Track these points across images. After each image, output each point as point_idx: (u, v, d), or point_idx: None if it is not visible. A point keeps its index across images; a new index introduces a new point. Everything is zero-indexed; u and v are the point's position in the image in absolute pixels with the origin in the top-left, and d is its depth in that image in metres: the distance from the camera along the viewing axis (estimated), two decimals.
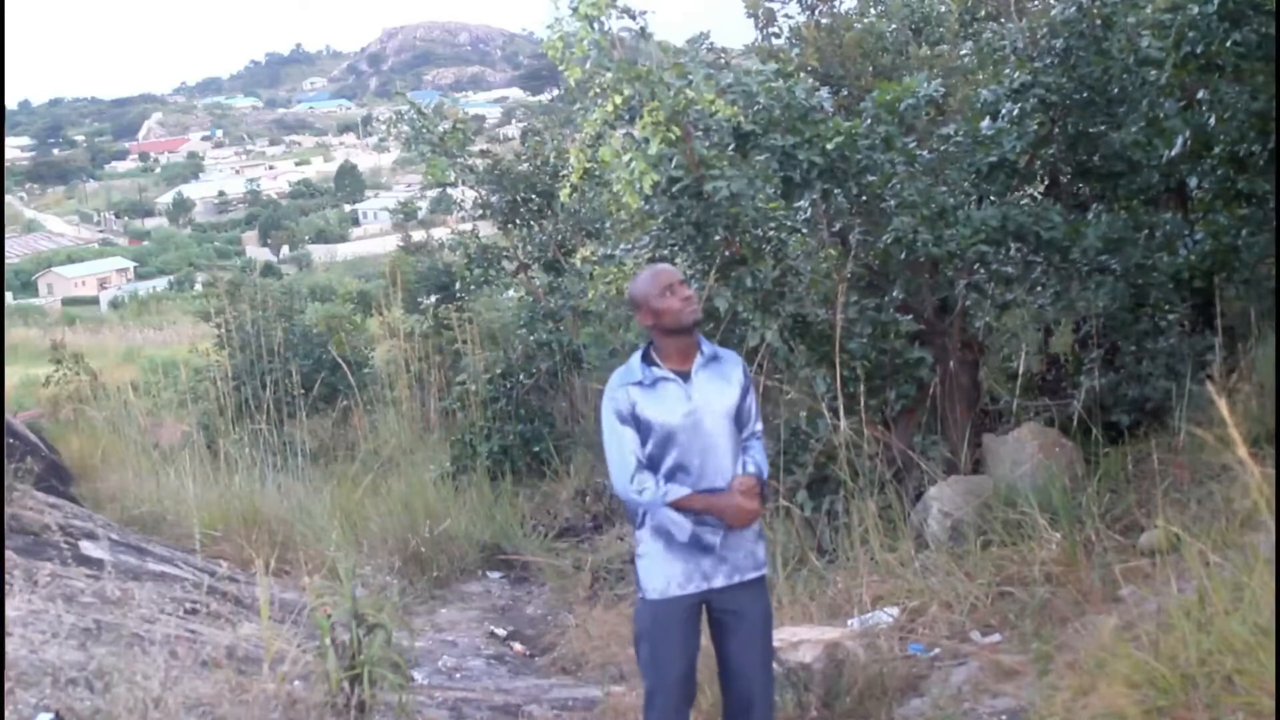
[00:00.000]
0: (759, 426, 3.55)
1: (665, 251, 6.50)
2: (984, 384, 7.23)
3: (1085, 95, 6.51)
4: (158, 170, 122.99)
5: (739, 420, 3.45)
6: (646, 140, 5.90)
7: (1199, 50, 6.02)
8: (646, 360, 3.41)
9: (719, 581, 3.36)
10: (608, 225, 9.35)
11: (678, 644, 3.37)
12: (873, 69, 8.01)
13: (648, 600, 3.40)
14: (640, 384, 3.37)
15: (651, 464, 3.34)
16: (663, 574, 3.36)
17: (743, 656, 3.41)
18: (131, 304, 52.79)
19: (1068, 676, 3.61)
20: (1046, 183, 7.22)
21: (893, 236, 6.29)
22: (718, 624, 3.44)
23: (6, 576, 4.84)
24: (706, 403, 3.36)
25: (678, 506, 3.32)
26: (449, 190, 10.60)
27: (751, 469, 3.41)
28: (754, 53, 8.30)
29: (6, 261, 63.55)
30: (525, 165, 10.28)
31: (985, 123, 6.71)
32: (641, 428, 3.34)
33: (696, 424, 3.33)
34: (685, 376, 3.38)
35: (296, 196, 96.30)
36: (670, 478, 3.33)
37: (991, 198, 6.71)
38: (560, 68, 6.22)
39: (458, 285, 10.96)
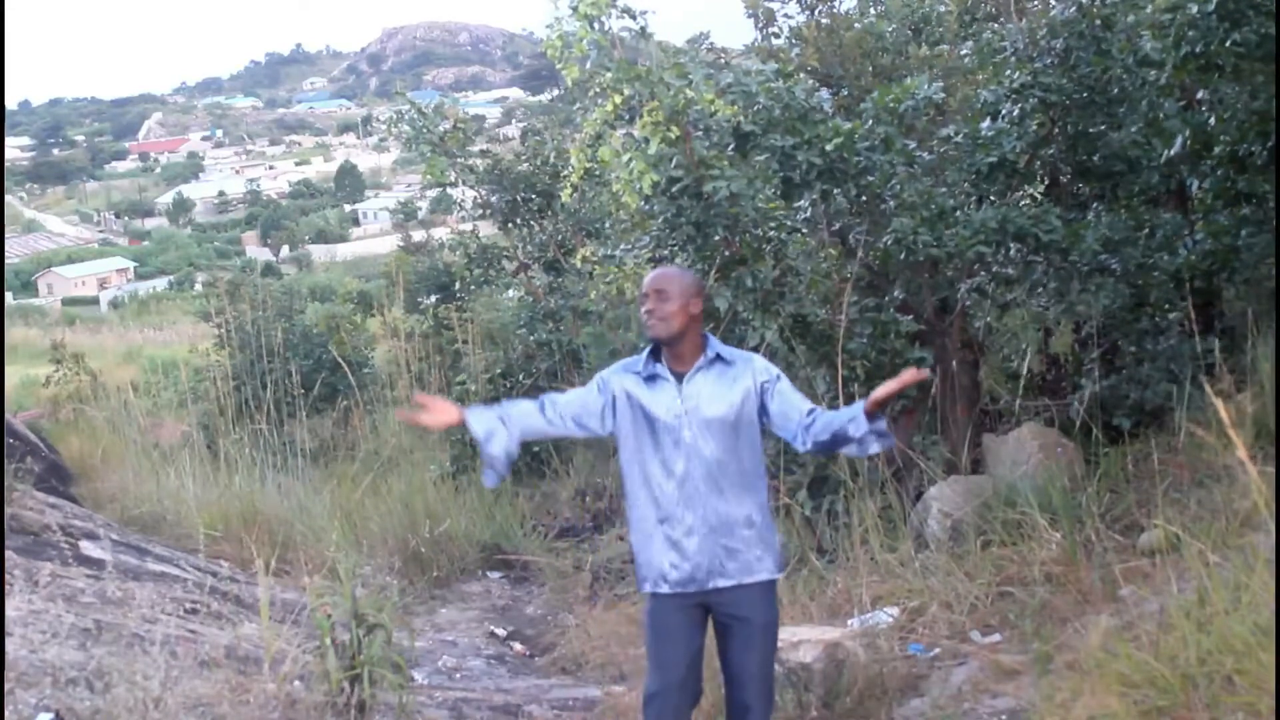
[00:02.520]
0: (810, 405, 3.39)
1: (665, 252, 6.50)
2: (984, 384, 7.23)
3: (1085, 95, 6.51)
4: (158, 170, 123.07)
5: (781, 413, 3.35)
6: (646, 140, 5.90)
7: (1199, 50, 6.02)
8: (655, 355, 3.42)
9: (688, 586, 3.33)
10: (608, 225, 9.34)
11: (677, 644, 3.35)
12: (873, 69, 8.00)
13: (647, 595, 3.42)
14: (638, 374, 3.40)
15: (646, 451, 3.36)
16: (648, 570, 3.39)
17: (740, 663, 3.38)
18: (131, 304, 52.77)
19: (1067, 676, 3.61)
20: (1046, 183, 7.22)
21: (893, 238, 6.29)
22: (718, 627, 3.42)
23: (6, 576, 4.85)
24: (695, 407, 3.33)
25: None
26: (449, 190, 10.57)
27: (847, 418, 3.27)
28: (754, 53, 8.29)
29: (6, 261, 63.53)
30: (525, 165, 10.26)
31: (985, 123, 6.71)
32: (631, 410, 3.37)
33: (682, 427, 3.32)
34: (680, 378, 3.36)
35: (296, 196, 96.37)
36: (647, 479, 3.35)
37: (991, 198, 6.71)
38: (560, 68, 6.22)
39: (458, 285, 10.95)
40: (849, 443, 3.29)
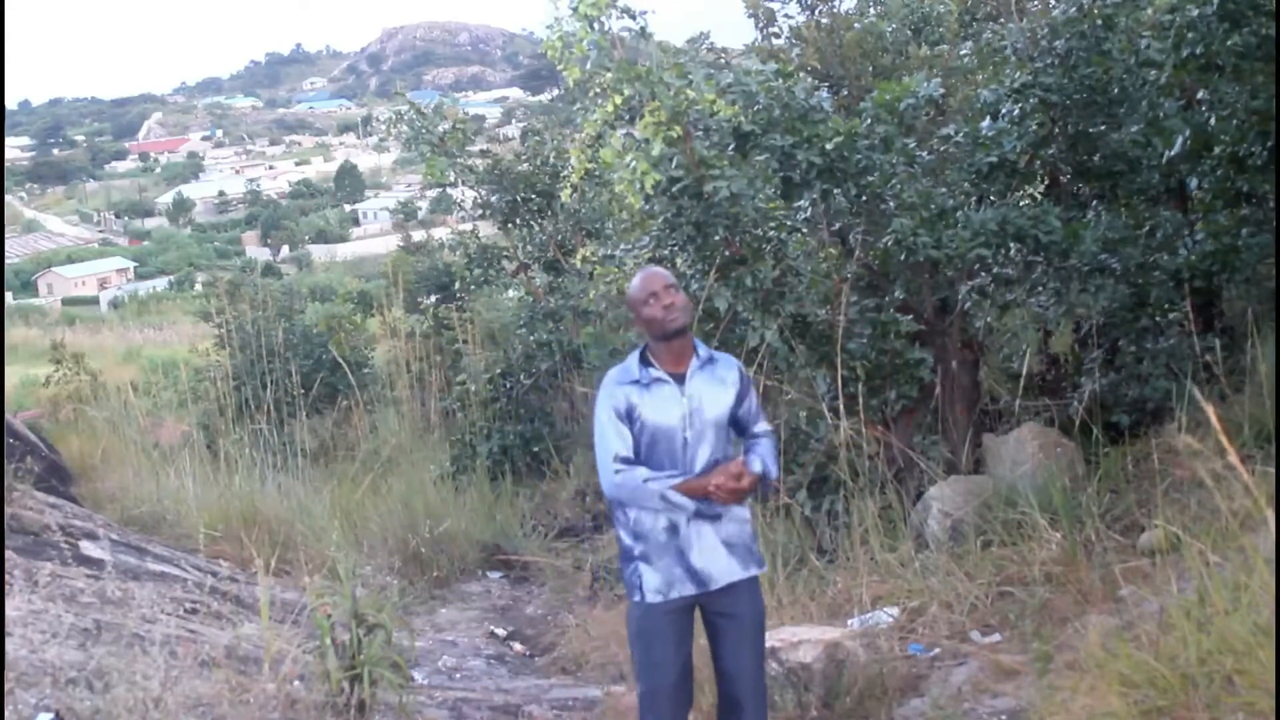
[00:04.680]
0: (766, 426, 3.52)
1: (665, 252, 6.50)
2: (984, 384, 7.23)
3: (1085, 95, 6.51)
4: (158, 170, 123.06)
5: (738, 424, 3.46)
6: (647, 140, 5.90)
7: (1199, 51, 6.02)
8: (644, 361, 3.40)
9: (691, 589, 3.33)
10: (608, 225, 9.36)
11: (670, 647, 3.36)
12: (872, 69, 8.01)
13: (634, 603, 3.41)
14: (638, 383, 3.36)
15: (651, 460, 3.33)
16: (645, 580, 3.34)
17: (733, 659, 3.40)
18: (131, 304, 52.79)
19: (1067, 676, 3.60)
20: (1046, 183, 7.22)
21: (893, 238, 6.29)
22: (710, 625, 3.43)
23: (6, 576, 4.84)
24: (700, 406, 3.35)
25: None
26: (449, 190, 10.59)
27: (757, 466, 3.35)
28: (754, 53, 8.30)
29: (6, 261, 63.54)
30: (525, 165, 10.27)
31: (985, 123, 6.71)
32: (635, 427, 3.32)
33: (689, 427, 3.33)
34: (680, 379, 3.37)
35: (296, 196, 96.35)
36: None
37: (991, 198, 6.71)
38: (560, 68, 6.22)
39: (458, 285, 10.96)
40: None
